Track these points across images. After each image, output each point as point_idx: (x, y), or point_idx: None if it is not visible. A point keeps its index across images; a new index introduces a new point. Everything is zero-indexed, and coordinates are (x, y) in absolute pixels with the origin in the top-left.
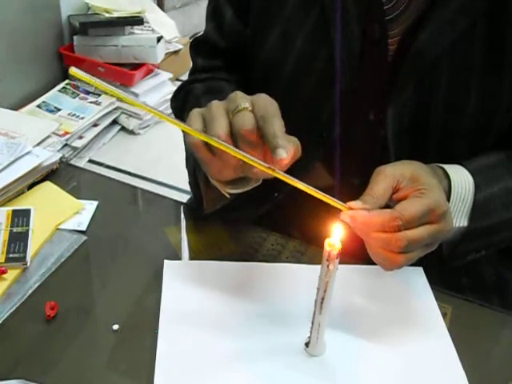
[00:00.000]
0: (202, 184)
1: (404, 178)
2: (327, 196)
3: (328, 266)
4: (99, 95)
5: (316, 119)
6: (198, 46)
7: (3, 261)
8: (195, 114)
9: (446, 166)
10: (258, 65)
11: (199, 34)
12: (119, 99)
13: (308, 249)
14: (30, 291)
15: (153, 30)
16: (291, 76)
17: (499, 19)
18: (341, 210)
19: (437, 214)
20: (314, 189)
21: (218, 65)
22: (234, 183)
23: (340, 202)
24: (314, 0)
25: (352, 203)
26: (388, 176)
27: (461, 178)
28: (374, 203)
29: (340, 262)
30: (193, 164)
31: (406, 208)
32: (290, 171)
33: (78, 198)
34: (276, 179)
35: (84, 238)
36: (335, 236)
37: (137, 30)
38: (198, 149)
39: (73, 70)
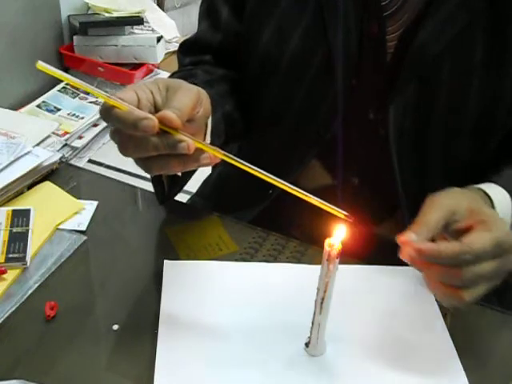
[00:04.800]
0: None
1: (460, 208)
2: (305, 193)
3: (328, 266)
4: None
5: (313, 117)
6: (187, 46)
7: (3, 261)
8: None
9: (483, 186)
10: (253, 62)
11: (189, 37)
12: None
13: (308, 249)
14: (30, 291)
15: (153, 30)
16: (287, 73)
17: (500, 15)
18: (319, 208)
19: (504, 247)
20: (286, 183)
21: (206, 60)
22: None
23: (312, 197)
24: None
25: (405, 238)
26: (443, 206)
27: (499, 195)
28: (426, 235)
29: (340, 262)
30: None
31: (474, 241)
32: (286, 168)
33: (78, 198)
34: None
35: (84, 237)
36: (335, 236)
37: (137, 29)
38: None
39: (39, 64)
